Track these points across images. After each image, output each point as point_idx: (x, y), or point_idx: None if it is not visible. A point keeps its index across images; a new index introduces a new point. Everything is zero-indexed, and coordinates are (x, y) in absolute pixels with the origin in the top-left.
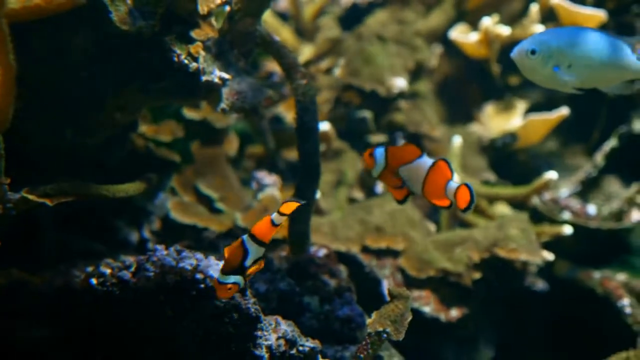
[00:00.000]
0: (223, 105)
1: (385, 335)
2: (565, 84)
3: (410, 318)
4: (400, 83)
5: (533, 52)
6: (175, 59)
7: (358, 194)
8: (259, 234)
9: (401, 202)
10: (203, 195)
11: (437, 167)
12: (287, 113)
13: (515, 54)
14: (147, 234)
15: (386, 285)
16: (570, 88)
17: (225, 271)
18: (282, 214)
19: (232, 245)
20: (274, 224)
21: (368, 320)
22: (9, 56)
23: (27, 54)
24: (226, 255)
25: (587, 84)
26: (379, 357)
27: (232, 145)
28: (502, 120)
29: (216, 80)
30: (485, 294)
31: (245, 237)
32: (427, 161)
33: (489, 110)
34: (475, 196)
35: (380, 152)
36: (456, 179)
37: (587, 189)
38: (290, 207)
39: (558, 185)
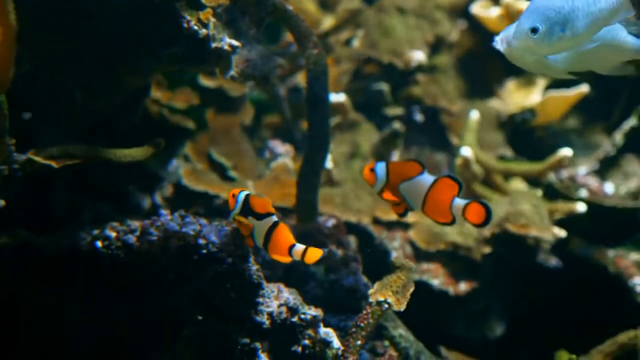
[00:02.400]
0: (232, 72)
1: (386, 305)
2: (580, 41)
3: (412, 289)
4: (418, 56)
5: (534, 30)
6: (185, 25)
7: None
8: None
9: (402, 215)
10: (216, 163)
11: (441, 184)
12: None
13: (516, 40)
14: (158, 200)
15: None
16: (589, 41)
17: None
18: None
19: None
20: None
21: (370, 290)
22: (10, 16)
23: (37, 17)
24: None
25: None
26: (383, 328)
27: (247, 114)
28: (522, 97)
29: (226, 47)
30: (496, 269)
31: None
32: (427, 178)
33: (509, 86)
34: (492, 214)
35: (381, 167)
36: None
37: (606, 168)
38: (314, 256)
39: (576, 163)
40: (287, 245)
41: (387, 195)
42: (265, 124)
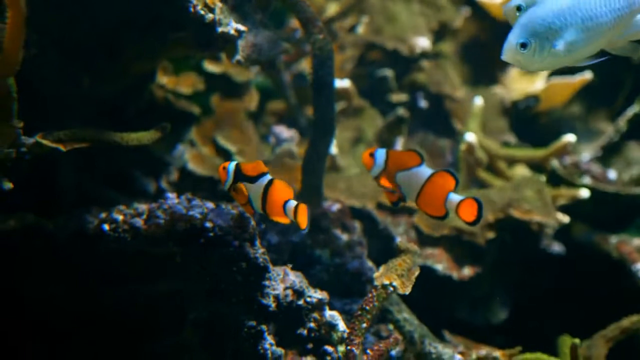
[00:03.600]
0: (238, 57)
1: (391, 288)
2: (577, 58)
3: (417, 273)
4: (423, 42)
5: (523, 45)
6: (191, 9)
7: None
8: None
9: (394, 204)
10: (221, 148)
11: (437, 178)
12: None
13: (505, 56)
14: (164, 184)
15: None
16: (587, 57)
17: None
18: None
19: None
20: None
21: (375, 274)
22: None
23: (45, 1)
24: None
25: (596, 46)
26: (387, 312)
27: (252, 99)
28: (525, 83)
29: (232, 32)
30: (500, 255)
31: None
32: (425, 171)
33: (512, 73)
34: (483, 212)
35: (381, 154)
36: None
37: (609, 154)
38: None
39: (580, 150)
40: (283, 201)
41: (384, 181)
42: (269, 110)
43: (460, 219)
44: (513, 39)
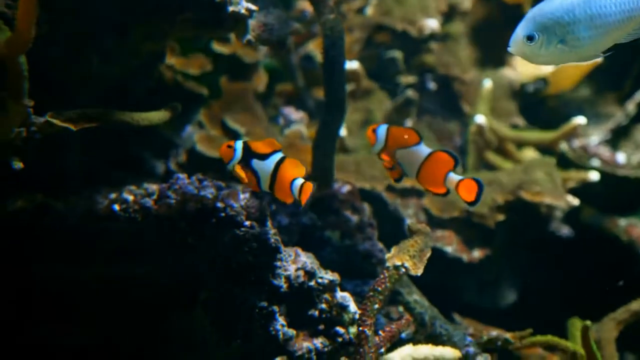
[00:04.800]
0: (249, 36)
1: (403, 269)
2: (583, 55)
3: (429, 254)
4: (432, 24)
5: (530, 38)
6: None
7: None
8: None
9: (396, 180)
10: (230, 130)
11: (436, 158)
12: (318, 52)
13: (512, 47)
14: (173, 165)
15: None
16: (593, 55)
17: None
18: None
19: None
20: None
21: (387, 255)
22: None
23: None
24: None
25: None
26: (397, 293)
27: (261, 81)
28: (534, 66)
29: (243, 11)
30: (508, 238)
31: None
32: (423, 150)
33: None
34: (483, 191)
35: (382, 130)
36: (459, 172)
37: (617, 137)
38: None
39: (588, 133)
40: (291, 179)
41: (385, 157)
42: (277, 92)
43: (460, 198)
44: (520, 31)
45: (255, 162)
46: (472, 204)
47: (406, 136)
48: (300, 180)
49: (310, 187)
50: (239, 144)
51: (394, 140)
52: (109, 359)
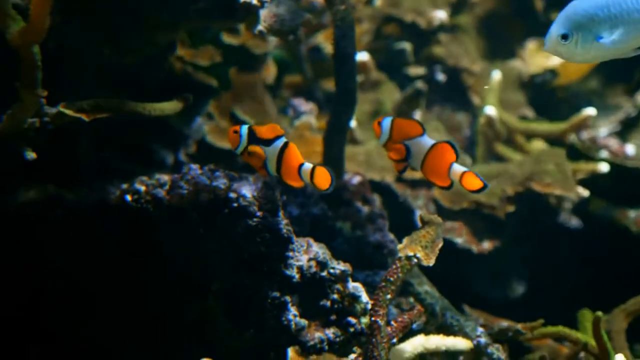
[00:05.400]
0: (260, 27)
1: (415, 260)
2: (620, 51)
3: (441, 244)
4: (441, 15)
5: (564, 37)
6: None
7: None
8: (266, 133)
9: (400, 172)
10: (239, 121)
11: (438, 149)
12: (327, 43)
13: (547, 47)
14: (183, 156)
15: (419, 215)
16: (630, 50)
17: None
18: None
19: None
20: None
21: (399, 245)
22: None
23: None
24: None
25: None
26: (408, 284)
27: (270, 72)
28: (543, 57)
29: (254, 2)
30: (518, 228)
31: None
32: (427, 141)
33: (530, 46)
34: (486, 183)
35: (386, 122)
36: (461, 163)
37: (627, 129)
38: (323, 177)
39: (597, 125)
40: (297, 165)
41: (394, 146)
42: (285, 83)
43: (464, 188)
44: (554, 30)
45: (261, 147)
46: (477, 192)
47: (410, 127)
48: (308, 165)
49: (324, 170)
50: (244, 129)
51: (398, 132)
52: (121, 349)
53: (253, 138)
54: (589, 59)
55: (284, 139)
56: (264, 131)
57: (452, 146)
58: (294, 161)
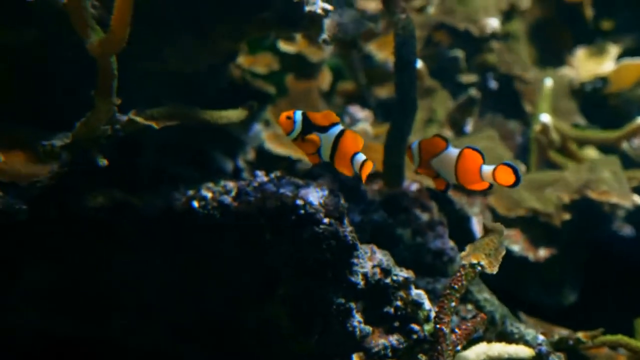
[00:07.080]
0: (324, 36)
1: (479, 267)
2: None
3: (504, 252)
4: (493, 23)
5: None
6: None
7: (448, 132)
8: (321, 120)
9: (443, 191)
10: None
11: (463, 156)
12: (378, 51)
13: None
14: (241, 163)
15: (475, 223)
16: None
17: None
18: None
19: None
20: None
21: (462, 253)
22: None
23: None
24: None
25: None
26: (468, 292)
27: (325, 79)
28: (594, 65)
29: (319, 11)
30: (572, 236)
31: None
32: (453, 151)
33: (580, 54)
34: (520, 173)
35: (414, 146)
36: (489, 163)
37: None
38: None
39: None
40: (353, 152)
41: (422, 171)
42: (338, 90)
43: (500, 185)
44: None
45: (316, 134)
46: (512, 186)
47: (435, 143)
48: (362, 156)
49: (370, 165)
50: (299, 115)
51: (426, 150)
52: (184, 352)
53: (307, 124)
54: None
55: (340, 126)
56: (319, 118)
57: (475, 150)
58: (350, 148)
